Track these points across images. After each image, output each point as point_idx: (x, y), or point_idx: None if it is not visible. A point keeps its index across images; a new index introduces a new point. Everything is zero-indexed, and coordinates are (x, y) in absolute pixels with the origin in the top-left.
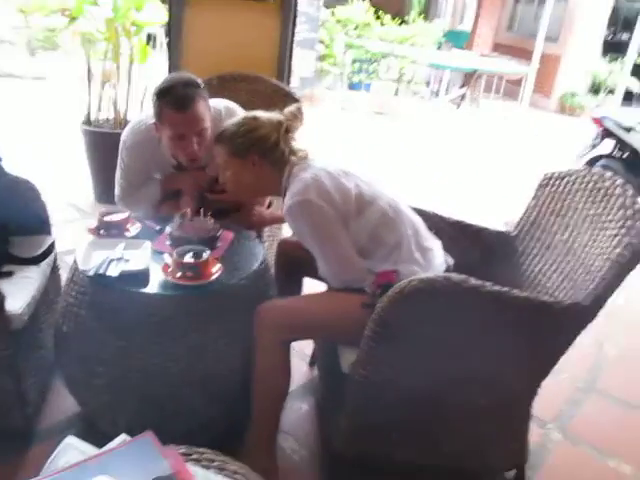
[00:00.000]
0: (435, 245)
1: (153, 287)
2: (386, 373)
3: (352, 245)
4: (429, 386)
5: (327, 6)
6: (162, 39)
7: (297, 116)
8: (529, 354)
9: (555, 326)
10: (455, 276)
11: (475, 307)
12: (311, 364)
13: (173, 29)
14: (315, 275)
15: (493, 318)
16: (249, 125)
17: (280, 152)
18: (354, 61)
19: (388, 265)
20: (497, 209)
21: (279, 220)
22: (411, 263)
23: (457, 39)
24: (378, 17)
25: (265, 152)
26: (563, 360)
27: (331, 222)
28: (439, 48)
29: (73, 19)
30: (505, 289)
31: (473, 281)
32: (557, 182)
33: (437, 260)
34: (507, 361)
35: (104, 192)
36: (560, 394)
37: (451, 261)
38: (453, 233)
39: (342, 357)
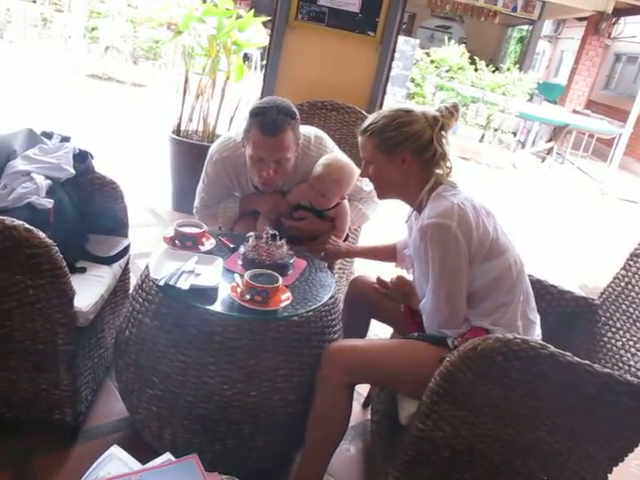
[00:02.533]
0: (537, 320)
1: (220, 306)
2: (445, 431)
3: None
4: (488, 452)
5: (422, 46)
6: (258, 61)
7: (453, 114)
8: (603, 436)
9: (637, 409)
10: (533, 340)
11: (551, 377)
12: (364, 405)
13: (272, 52)
14: (383, 318)
15: (569, 391)
16: (402, 118)
17: (432, 152)
18: (443, 102)
19: (487, 323)
20: (573, 272)
21: (355, 253)
22: (510, 329)
23: (550, 92)
24: (472, 62)
25: (417, 150)
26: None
27: (460, 257)
28: (530, 100)
29: (178, 33)
30: (586, 362)
31: (552, 349)
32: None
33: (536, 336)
34: (577, 440)
35: (183, 201)
36: None
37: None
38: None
39: (401, 406)
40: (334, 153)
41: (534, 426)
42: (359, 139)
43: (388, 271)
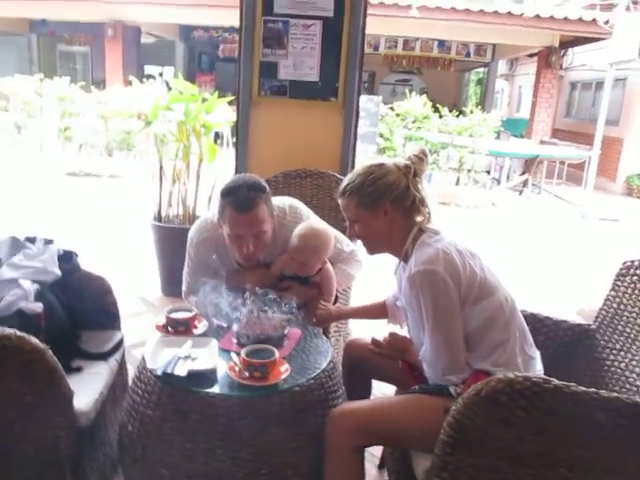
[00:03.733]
0: (537, 355)
1: (220, 387)
2: None
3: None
4: None
5: (385, 102)
6: (229, 137)
7: (422, 159)
8: (622, 463)
9: None
10: (536, 376)
11: (559, 410)
12: (380, 467)
13: (240, 129)
14: (384, 377)
15: (580, 423)
16: (376, 173)
17: (411, 199)
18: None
19: (487, 364)
20: (568, 299)
21: (345, 315)
22: (511, 368)
23: (515, 127)
24: (436, 110)
25: (397, 199)
26: None
27: (452, 301)
28: (498, 137)
29: (149, 123)
30: (592, 390)
31: (555, 382)
32: (638, 271)
33: (537, 371)
34: (598, 472)
35: (171, 285)
36: None
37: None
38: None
39: (415, 462)
40: (309, 221)
41: (552, 463)
42: (340, 202)
43: (382, 327)
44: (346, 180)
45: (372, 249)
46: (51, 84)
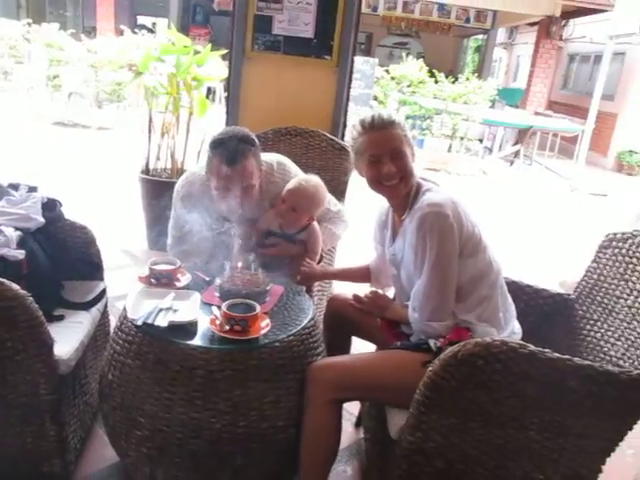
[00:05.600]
0: (514, 312)
1: (200, 339)
2: (436, 440)
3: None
4: (481, 458)
5: (382, 64)
6: (221, 93)
7: None
8: (593, 428)
9: (621, 398)
10: (512, 341)
11: (534, 375)
12: (357, 425)
13: (232, 84)
14: (364, 335)
15: (553, 388)
16: None
17: None
18: (407, 117)
19: (471, 317)
20: (551, 270)
21: (329, 275)
22: (492, 323)
23: (511, 97)
24: (432, 75)
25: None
26: (630, 435)
27: (455, 247)
28: (492, 106)
29: (139, 74)
30: (566, 357)
31: (531, 347)
32: (620, 244)
33: (517, 327)
34: (568, 436)
35: (157, 240)
36: (626, 473)
37: (519, 329)
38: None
39: (390, 421)
40: (305, 174)
41: (523, 426)
42: (380, 133)
43: (365, 287)
44: (376, 114)
45: (404, 188)
46: (40, 30)
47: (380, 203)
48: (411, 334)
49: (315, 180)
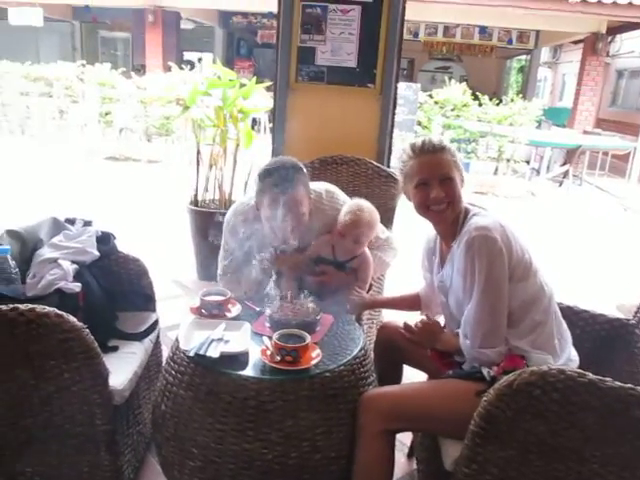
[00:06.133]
0: (570, 339)
1: (251, 370)
2: (492, 473)
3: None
4: None
5: (424, 89)
6: (266, 123)
7: None
8: None
9: None
10: (570, 369)
11: (594, 405)
12: (409, 455)
13: (277, 115)
14: (415, 363)
15: (615, 418)
16: None
17: None
18: (452, 141)
19: (525, 344)
20: (607, 294)
21: (379, 304)
22: (547, 350)
23: (557, 116)
24: (475, 98)
25: None
26: None
27: (504, 272)
28: (539, 127)
29: (186, 108)
30: (628, 385)
31: (591, 376)
32: None
33: (573, 354)
34: (633, 470)
35: (207, 270)
36: None
37: (576, 356)
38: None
39: (444, 452)
40: (354, 200)
41: (585, 459)
42: (430, 157)
43: (416, 315)
44: (427, 139)
45: (451, 214)
46: (93, 70)
47: (427, 230)
48: (463, 362)
49: (366, 205)
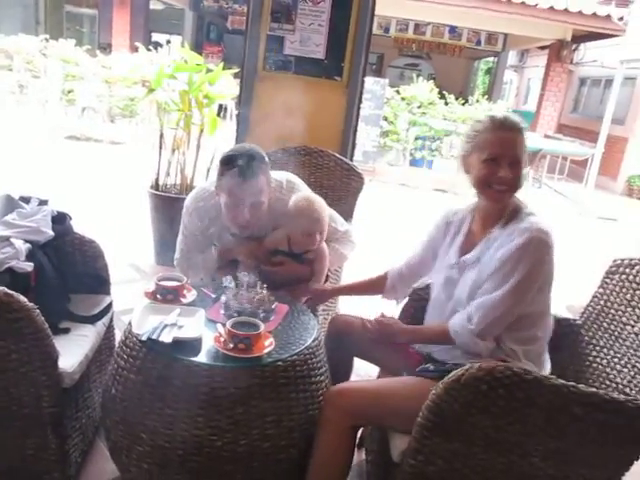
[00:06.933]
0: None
1: (204, 356)
2: (438, 465)
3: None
4: None
5: (392, 85)
6: (233, 110)
7: None
8: (598, 457)
9: (627, 427)
10: (516, 367)
11: (538, 401)
12: (359, 446)
13: (243, 102)
14: (367, 357)
15: (557, 415)
16: None
17: None
18: (417, 138)
19: (519, 350)
20: (558, 294)
21: (341, 291)
22: (536, 364)
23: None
24: (442, 97)
25: None
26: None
27: (540, 277)
28: None
29: (151, 90)
30: (571, 384)
31: (536, 373)
32: (627, 270)
33: (548, 367)
34: (572, 464)
35: (165, 255)
36: None
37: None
38: None
39: (393, 444)
40: (300, 192)
41: (527, 453)
42: (507, 135)
43: (371, 306)
44: (514, 116)
45: (508, 197)
46: (56, 45)
47: (449, 209)
48: (426, 354)
49: (311, 197)
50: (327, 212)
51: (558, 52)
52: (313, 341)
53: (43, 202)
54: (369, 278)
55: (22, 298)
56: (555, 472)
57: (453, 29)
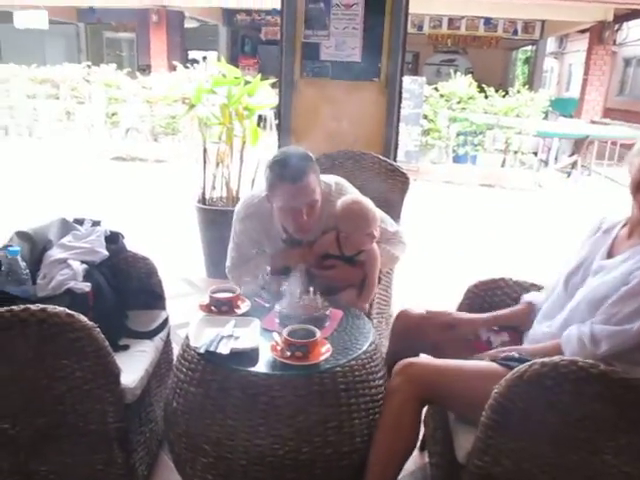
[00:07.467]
0: None
1: (262, 366)
2: (505, 465)
3: None
4: None
5: (430, 83)
6: (272, 120)
7: None
8: None
9: None
10: (582, 361)
11: (606, 396)
12: (421, 449)
13: (282, 111)
14: (433, 352)
15: (628, 409)
16: None
17: None
18: (459, 134)
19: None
20: None
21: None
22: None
23: (564, 107)
24: (481, 90)
25: None
26: None
27: None
28: (546, 118)
29: (192, 106)
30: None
31: (602, 367)
32: None
33: None
34: None
35: (216, 268)
36: None
37: None
38: None
39: (457, 444)
40: (348, 195)
41: (598, 449)
42: None
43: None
44: None
45: None
46: (98, 71)
47: (606, 214)
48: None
49: (357, 198)
50: (373, 210)
51: (600, 34)
52: (370, 345)
53: (96, 223)
54: (512, 309)
55: (82, 317)
56: (630, 469)
57: (488, 21)
